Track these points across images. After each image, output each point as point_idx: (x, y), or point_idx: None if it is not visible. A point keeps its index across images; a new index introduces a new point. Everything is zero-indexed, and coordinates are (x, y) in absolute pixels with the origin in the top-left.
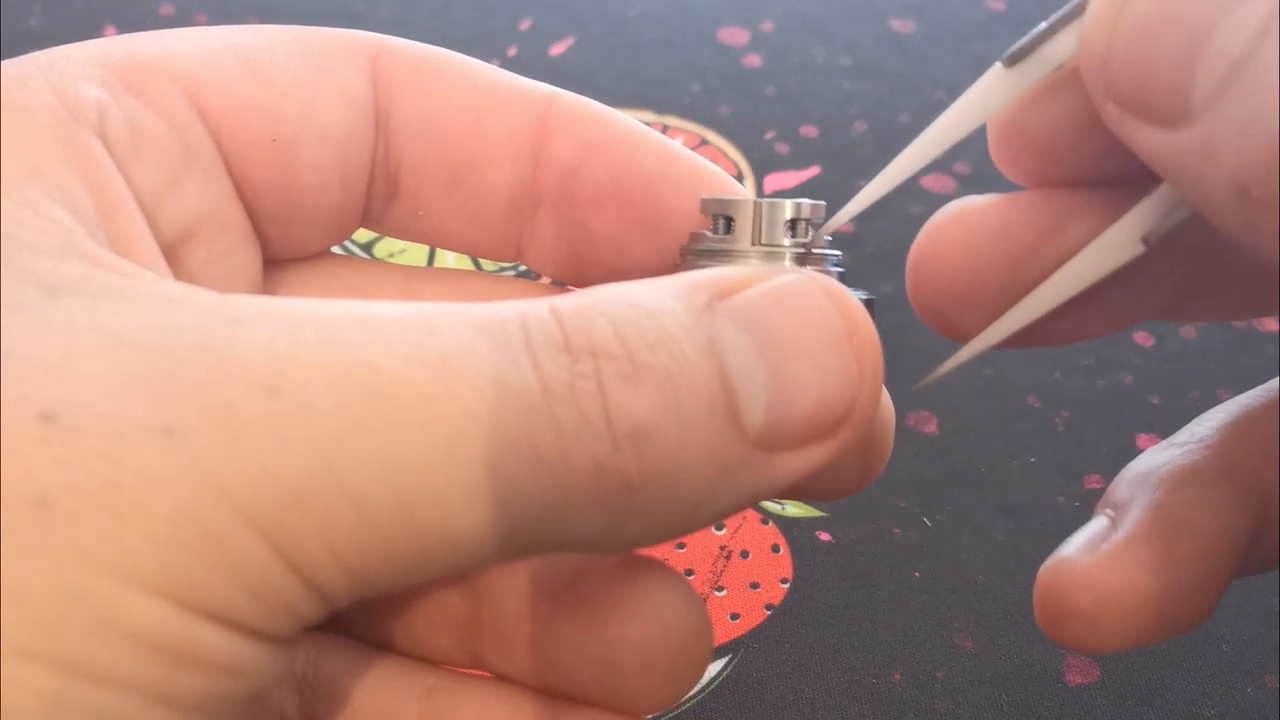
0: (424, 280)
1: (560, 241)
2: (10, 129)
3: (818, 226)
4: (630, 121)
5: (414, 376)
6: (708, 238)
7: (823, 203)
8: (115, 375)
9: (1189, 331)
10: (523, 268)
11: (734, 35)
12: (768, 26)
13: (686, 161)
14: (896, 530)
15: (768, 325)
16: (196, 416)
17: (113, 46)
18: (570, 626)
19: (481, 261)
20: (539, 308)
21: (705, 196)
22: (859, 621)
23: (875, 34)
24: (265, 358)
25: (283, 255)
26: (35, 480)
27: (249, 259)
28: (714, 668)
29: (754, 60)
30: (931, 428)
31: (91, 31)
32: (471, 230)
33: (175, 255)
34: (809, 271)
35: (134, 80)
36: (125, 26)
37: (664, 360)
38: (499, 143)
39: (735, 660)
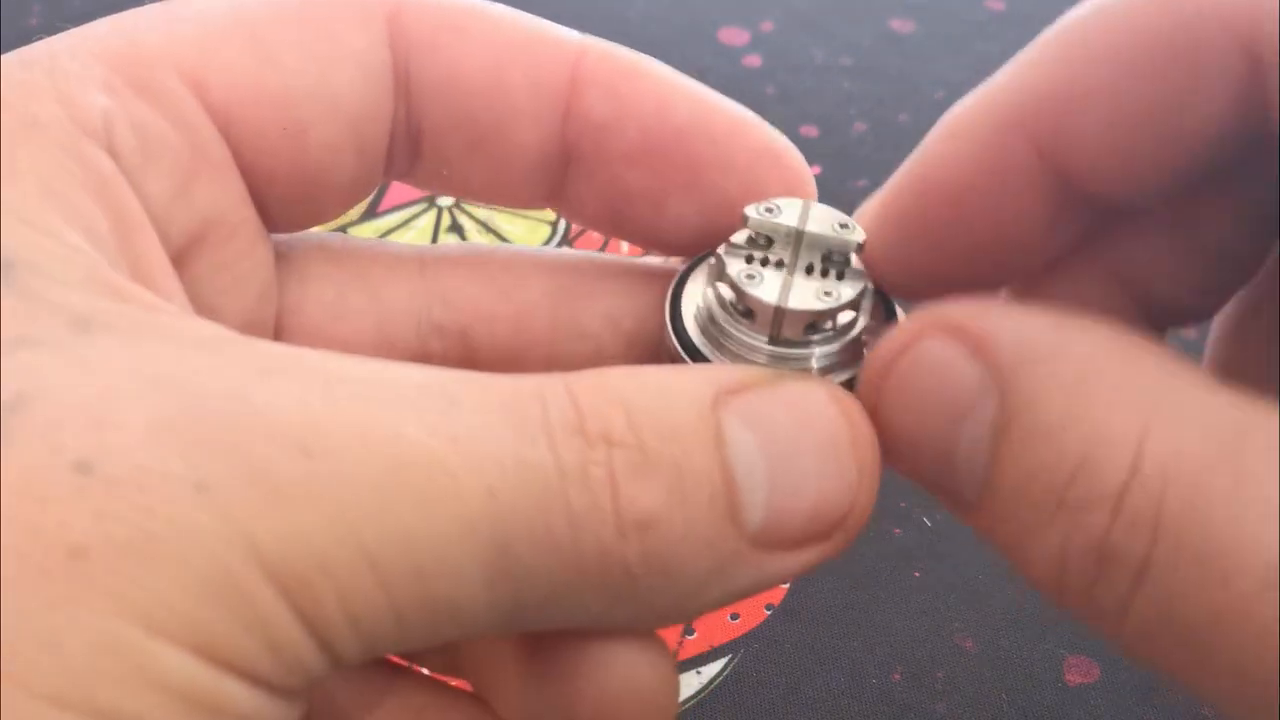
0: (439, 269)
1: (594, 198)
2: (22, 147)
3: (838, 328)
4: (665, 71)
5: (440, 450)
6: (729, 323)
7: (859, 290)
8: (150, 423)
9: (1190, 333)
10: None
11: (734, 35)
12: (768, 26)
13: (724, 112)
14: (896, 530)
15: (772, 427)
16: (230, 472)
17: (113, 38)
18: (539, 673)
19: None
20: (556, 387)
21: (748, 211)
22: (859, 621)
23: (875, 34)
24: (298, 416)
25: (298, 227)
26: (71, 530)
27: (260, 261)
28: (714, 668)
29: (754, 60)
30: None
31: None
32: (499, 186)
33: (183, 262)
34: (818, 379)
35: (138, 77)
36: None
37: (672, 451)
38: (526, 101)
39: (735, 660)
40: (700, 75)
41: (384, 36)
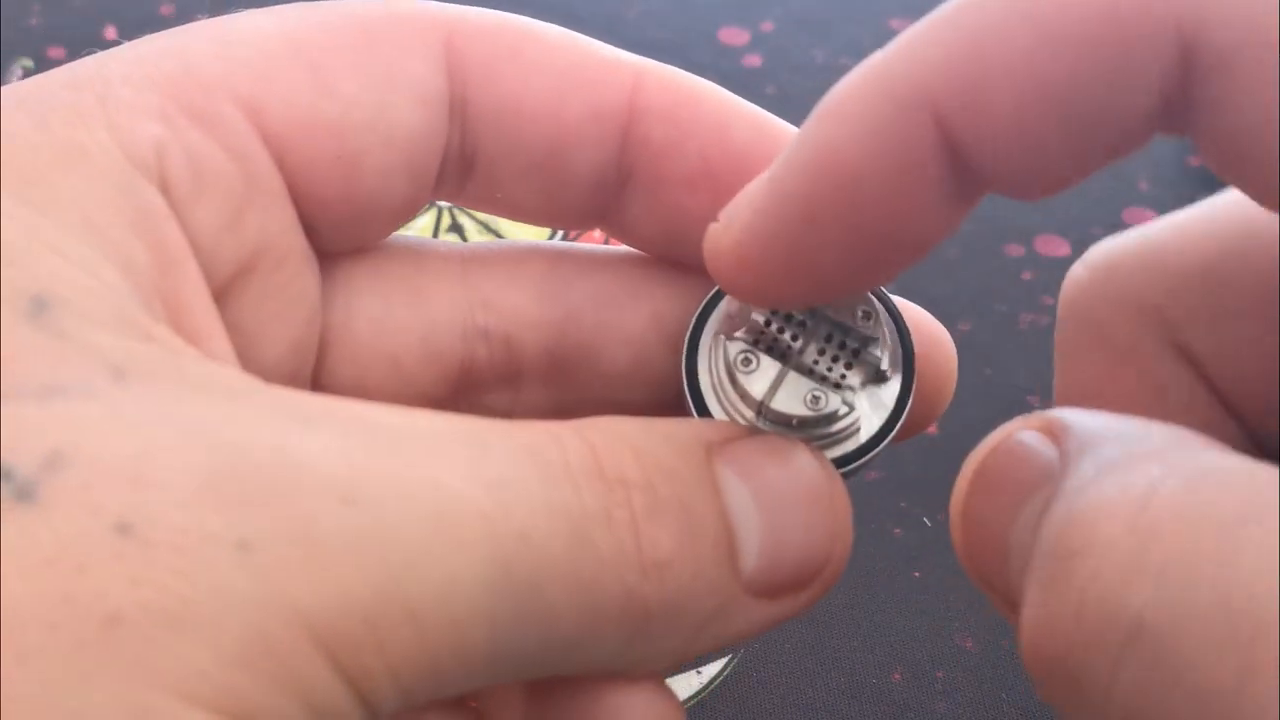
0: (481, 272)
1: (650, 221)
2: (65, 177)
3: (830, 418)
4: (723, 95)
5: (476, 496)
6: (729, 383)
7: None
8: (190, 480)
9: None
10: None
11: (734, 35)
12: (768, 26)
13: (783, 136)
14: (896, 530)
15: (763, 477)
16: (272, 528)
17: (168, 62)
18: (550, 716)
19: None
20: (568, 432)
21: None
22: (859, 621)
23: (875, 34)
24: (341, 467)
25: (345, 249)
26: (108, 598)
27: (307, 286)
28: (714, 668)
29: (754, 60)
30: (931, 428)
31: (91, 32)
32: (551, 209)
33: (231, 291)
34: (796, 439)
35: (194, 105)
36: (125, 27)
37: (679, 493)
38: (583, 128)
39: (735, 660)
40: (700, 75)
41: (441, 62)
